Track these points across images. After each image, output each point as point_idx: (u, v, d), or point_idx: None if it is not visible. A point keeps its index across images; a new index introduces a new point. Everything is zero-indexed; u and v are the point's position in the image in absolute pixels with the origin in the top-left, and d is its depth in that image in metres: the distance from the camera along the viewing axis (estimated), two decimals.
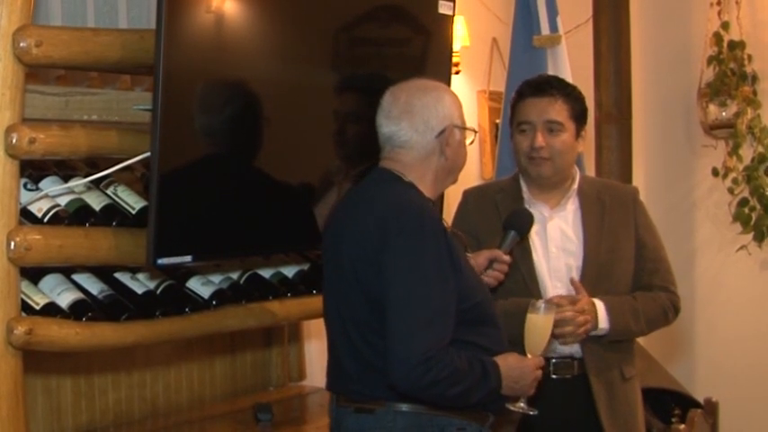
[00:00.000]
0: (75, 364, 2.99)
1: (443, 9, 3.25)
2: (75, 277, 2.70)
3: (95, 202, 2.68)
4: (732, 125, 4.94)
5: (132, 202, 2.72)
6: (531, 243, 2.93)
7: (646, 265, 2.98)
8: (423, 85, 2.54)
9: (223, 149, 2.72)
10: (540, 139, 2.88)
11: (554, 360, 2.89)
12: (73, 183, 2.69)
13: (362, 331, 2.40)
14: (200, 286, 2.89)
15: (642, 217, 3.03)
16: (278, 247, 3.00)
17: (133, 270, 2.79)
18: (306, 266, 3.19)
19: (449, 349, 2.32)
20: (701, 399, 4.20)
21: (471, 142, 2.58)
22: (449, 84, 3.28)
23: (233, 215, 2.74)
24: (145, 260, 2.56)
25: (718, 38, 4.98)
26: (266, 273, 3.08)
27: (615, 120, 4.70)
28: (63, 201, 2.65)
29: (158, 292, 2.81)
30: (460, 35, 4.64)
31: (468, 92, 5.02)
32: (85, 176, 2.70)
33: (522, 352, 2.54)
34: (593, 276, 2.91)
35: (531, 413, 2.56)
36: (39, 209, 2.59)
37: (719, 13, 5.00)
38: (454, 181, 2.60)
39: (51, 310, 2.57)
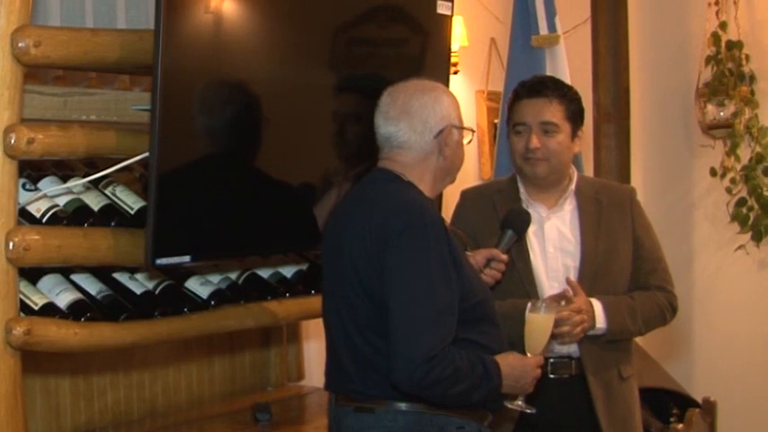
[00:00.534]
0: (73, 364, 2.99)
1: (442, 9, 3.25)
2: (74, 277, 2.70)
3: (94, 202, 2.68)
4: (730, 125, 4.94)
5: (131, 202, 2.72)
6: (528, 243, 2.94)
7: (643, 265, 2.98)
8: (421, 85, 2.54)
9: (222, 150, 2.72)
10: (534, 141, 2.88)
11: (552, 360, 2.89)
12: (71, 183, 2.69)
13: (363, 331, 2.40)
14: (199, 286, 2.89)
15: (639, 217, 3.04)
16: (276, 247, 3.00)
17: (132, 270, 2.79)
18: (304, 267, 3.19)
19: (451, 348, 2.32)
20: (699, 398, 4.20)
21: (469, 142, 2.61)
22: (447, 84, 3.28)
23: (231, 215, 2.74)
24: (143, 260, 2.56)
25: (716, 38, 4.99)
26: (265, 273, 3.08)
27: (613, 119, 4.70)
28: (62, 201, 2.65)
29: (157, 292, 2.81)
30: (459, 35, 4.64)
31: (467, 92, 5.03)
32: (84, 177, 2.70)
33: (520, 352, 2.54)
34: (591, 276, 2.91)
35: (530, 411, 2.57)
36: (37, 209, 2.59)
37: (717, 13, 5.01)
38: (452, 181, 2.61)
39: (50, 310, 2.57)
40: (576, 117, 2.94)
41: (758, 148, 4.94)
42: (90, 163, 2.78)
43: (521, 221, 2.83)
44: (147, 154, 2.54)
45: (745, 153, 4.99)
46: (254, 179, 2.80)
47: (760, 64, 4.97)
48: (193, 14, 2.52)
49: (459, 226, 3.00)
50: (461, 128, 2.54)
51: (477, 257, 2.74)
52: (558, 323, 2.80)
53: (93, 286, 2.71)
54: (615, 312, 2.89)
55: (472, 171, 5.04)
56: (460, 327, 2.37)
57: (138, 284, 2.79)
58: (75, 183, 2.69)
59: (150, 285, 2.81)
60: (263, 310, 3.00)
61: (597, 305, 2.87)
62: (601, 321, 2.87)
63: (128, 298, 2.74)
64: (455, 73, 4.55)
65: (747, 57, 4.96)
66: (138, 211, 2.69)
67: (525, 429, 2.86)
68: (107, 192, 2.73)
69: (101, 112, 2.72)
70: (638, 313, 2.93)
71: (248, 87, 2.73)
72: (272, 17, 2.75)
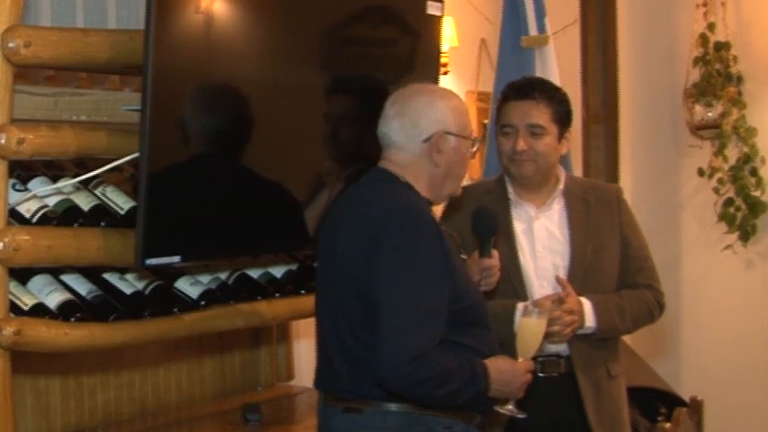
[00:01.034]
0: (63, 364, 2.98)
1: (432, 10, 3.25)
2: (64, 278, 2.70)
3: (84, 202, 2.68)
4: (718, 125, 4.97)
5: (121, 202, 2.72)
6: (517, 242, 2.95)
7: (631, 264, 3.01)
8: (421, 88, 2.55)
9: (212, 150, 2.72)
10: (521, 143, 2.89)
11: (541, 358, 2.91)
12: (61, 183, 2.68)
13: (355, 330, 2.40)
14: (189, 286, 2.89)
15: (626, 215, 3.06)
16: (266, 247, 3.00)
17: (122, 270, 2.79)
18: (294, 266, 3.19)
19: (438, 349, 2.33)
20: (686, 397, 4.22)
21: (474, 153, 2.57)
22: (436, 84, 3.29)
23: (221, 216, 2.74)
24: (133, 260, 2.56)
25: (704, 39, 5.02)
26: (255, 273, 3.08)
27: (602, 120, 4.73)
28: (52, 201, 2.64)
29: (147, 292, 2.80)
30: (449, 36, 4.64)
31: (457, 92, 4.95)
32: (74, 177, 2.69)
33: (508, 353, 2.54)
34: (580, 275, 2.93)
35: (520, 416, 2.57)
36: (27, 209, 2.59)
37: (705, 15, 5.04)
38: (456, 188, 2.58)
39: (40, 310, 2.56)
40: (563, 119, 2.95)
41: (745, 149, 4.98)
42: (80, 163, 2.77)
43: (488, 223, 2.77)
44: (137, 154, 2.54)
45: (732, 153, 5.02)
46: (245, 179, 2.80)
47: (747, 65, 5.00)
48: (184, 15, 2.52)
49: (447, 226, 3.00)
50: (459, 136, 2.50)
51: (473, 273, 2.70)
52: (549, 323, 2.81)
53: (82, 287, 2.70)
54: (604, 311, 2.91)
55: None
56: (451, 329, 2.38)
57: (128, 285, 2.78)
58: (66, 183, 2.68)
59: (140, 285, 2.80)
60: (253, 311, 3.00)
61: (587, 304, 2.89)
62: (590, 320, 2.89)
63: (118, 298, 2.73)
64: (445, 73, 4.56)
65: (735, 58, 4.99)
66: (128, 211, 2.69)
67: (515, 428, 2.88)
68: (97, 192, 2.72)
69: (91, 112, 2.72)
70: (627, 312, 2.95)
71: (239, 88, 2.73)
72: (263, 17, 2.75)
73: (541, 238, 2.96)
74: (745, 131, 4.97)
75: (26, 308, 2.55)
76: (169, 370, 3.34)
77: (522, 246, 2.95)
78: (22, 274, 2.60)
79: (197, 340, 3.32)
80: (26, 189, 2.63)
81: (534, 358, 2.87)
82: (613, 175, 4.71)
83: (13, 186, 2.58)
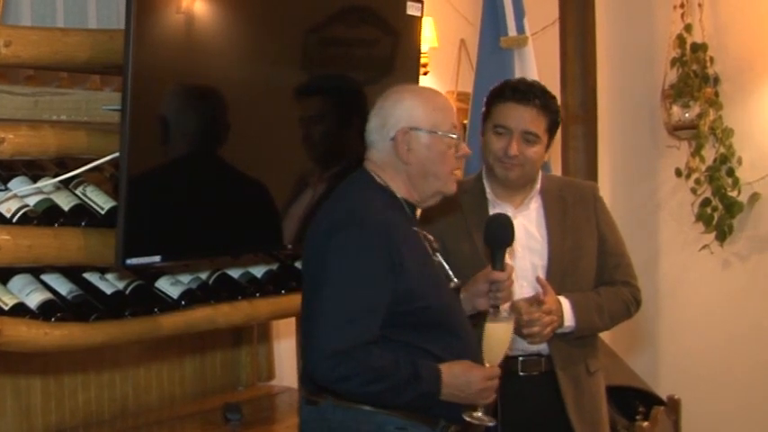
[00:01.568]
0: (44, 364, 2.98)
1: (411, 10, 3.26)
2: (44, 277, 2.69)
3: (64, 202, 2.67)
4: (695, 126, 5.00)
5: (101, 202, 2.71)
6: None
7: (608, 260, 3.03)
8: (398, 87, 2.56)
9: (192, 150, 2.71)
10: (514, 148, 2.89)
11: (521, 358, 2.93)
12: (42, 183, 2.68)
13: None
14: (170, 286, 2.89)
15: (603, 213, 3.07)
16: (247, 247, 3.01)
17: (102, 270, 2.79)
18: (274, 266, 3.19)
19: (369, 348, 2.33)
20: (663, 395, 4.25)
21: (461, 150, 2.53)
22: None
23: (202, 216, 2.74)
24: (114, 260, 2.55)
25: (681, 40, 5.05)
26: (235, 273, 3.08)
27: (581, 120, 4.75)
28: (32, 201, 2.63)
29: (127, 292, 2.80)
30: (429, 36, 4.66)
31: None
32: (54, 177, 2.69)
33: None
34: (559, 274, 2.95)
35: (490, 424, 2.52)
36: (7, 209, 2.58)
37: (683, 16, 5.07)
38: (441, 187, 2.53)
39: (20, 310, 2.56)
40: (553, 129, 2.96)
41: (722, 149, 5.01)
42: (60, 163, 2.77)
43: (506, 233, 2.64)
44: (117, 154, 2.54)
45: (709, 154, 5.05)
46: (225, 179, 2.80)
47: (724, 66, 5.04)
48: (164, 15, 2.52)
49: (425, 227, 3.00)
50: (430, 132, 2.48)
51: (478, 286, 2.64)
52: (528, 324, 2.84)
53: (63, 286, 2.70)
54: (583, 310, 2.93)
55: None
56: (404, 330, 2.39)
57: (109, 284, 2.78)
58: (46, 183, 2.68)
59: (121, 285, 2.80)
60: (234, 310, 3.00)
61: (565, 303, 2.91)
62: (569, 319, 2.91)
63: (98, 298, 2.73)
64: (425, 74, 4.58)
65: (712, 59, 5.02)
66: (109, 211, 2.68)
67: (497, 427, 2.90)
68: (77, 192, 2.72)
69: (71, 112, 2.71)
70: (605, 309, 2.98)
71: (219, 88, 2.73)
72: (243, 18, 2.76)
73: (520, 238, 2.96)
74: (721, 132, 5.00)
75: (6, 308, 2.54)
76: (150, 370, 3.34)
77: None
78: (2, 274, 2.60)
79: (177, 340, 3.32)
80: (6, 189, 2.63)
81: (515, 357, 2.90)
82: (592, 175, 4.73)
83: None
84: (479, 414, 2.48)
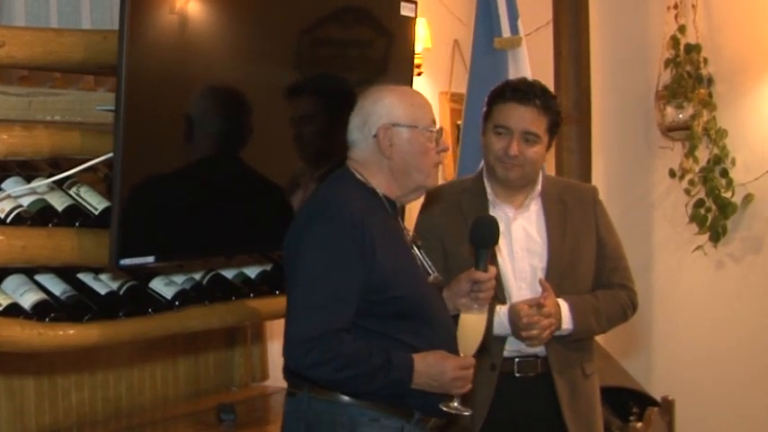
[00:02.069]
0: (37, 364, 2.98)
1: (405, 11, 3.27)
2: (38, 278, 2.69)
3: (58, 202, 2.67)
4: (688, 127, 5.01)
5: (95, 202, 2.71)
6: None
7: (606, 263, 3.03)
8: (377, 87, 2.61)
9: (186, 150, 2.72)
10: (515, 148, 2.89)
11: (518, 359, 2.94)
12: (36, 183, 2.68)
13: None
14: (163, 287, 2.89)
15: (602, 216, 3.08)
16: (240, 247, 3.01)
17: (96, 271, 2.79)
18: (268, 267, 3.20)
19: (341, 335, 2.38)
20: (657, 396, 4.26)
21: (441, 143, 2.57)
22: (410, 85, 3.30)
23: (196, 216, 2.75)
24: (108, 261, 2.55)
25: (675, 41, 5.05)
26: (229, 273, 3.09)
27: (575, 121, 4.75)
28: (26, 201, 2.63)
29: (121, 292, 2.80)
30: (422, 37, 4.66)
31: (430, 93, 5.05)
32: (48, 177, 2.69)
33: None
34: (557, 276, 2.95)
35: (466, 413, 2.52)
36: (1, 209, 2.58)
37: (676, 17, 5.08)
38: (424, 180, 2.58)
39: (14, 310, 2.56)
40: (554, 129, 2.97)
41: (716, 150, 5.02)
42: (54, 163, 2.77)
43: (490, 233, 2.65)
44: (111, 154, 2.54)
45: (703, 155, 5.06)
46: (218, 180, 2.80)
47: (718, 67, 5.04)
48: (158, 15, 2.52)
49: (424, 226, 3.01)
50: (411, 127, 2.52)
51: (460, 285, 2.65)
52: (527, 327, 2.84)
53: (57, 287, 2.70)
54: (581, 313, 2.93)
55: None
56: (374, 319, 2.44)
57: (103, 285, 2.78)
58: (40, 183, 2.68)
59: (114, 286, 2.80)
60: (228, 311, 3.01)
61: (564, 306, 2.92)
62: (567, 322, 2.92)
63: (92, 298, 2.73)
64: (419, 75, 4.58)
65: (705, 60, 5.03)
66: (103, 211, 2.68)
67: (492, 428, 2.90)
68: (71, 192, 2.72)
69: (65, 112, 2.71)
70: (602, 313, 2.98)
71: (213, 88, 2.74)
72: (237, 18, 2.76)
73: (519, 240, 2.97)
74: (715, 133, 5.01)
75: (0, 308, 2.54)
76: (143, 370, 3.34)
77: (500, 248, 2.94)
78: None
79: (171, 340, 3.32)
80: (0, 189, 2.62)
81: (511, 358, 2.92)
82: (586, 176, 4.74)
83: None
84: (455, 404, 2.50)
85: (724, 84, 5.04)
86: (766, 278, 5.03)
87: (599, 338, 3.54)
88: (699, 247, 5.12)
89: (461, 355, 2.50)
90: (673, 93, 5.02)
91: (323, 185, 2.61)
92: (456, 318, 2.59)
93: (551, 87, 4.64)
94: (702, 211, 5.06)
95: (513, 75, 4.04)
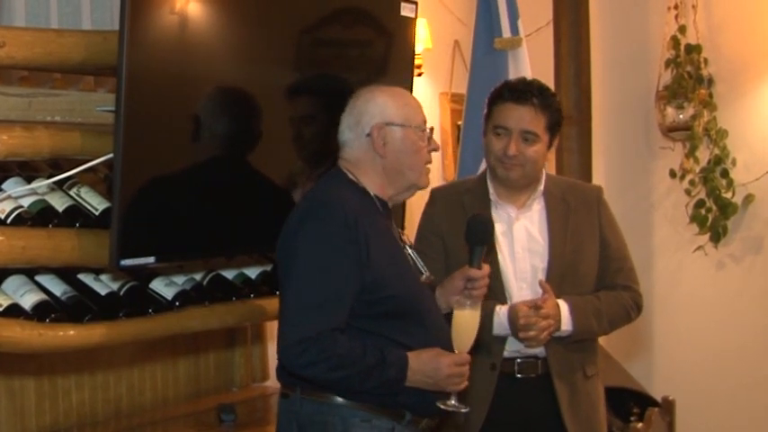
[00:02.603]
0: (38, 365, 2.98)
1: (405, 11, 3.27)
2: (39, 278, 2.69)
3: (58, 203, 2.67)
4: (689, 127, 5.01)
5: (95, 203, 2.72)
6: (497, 244, 2.95)
7: (610, 265, 3.02)
8: (369, 88, 2.63)
9: (186, 151, 2.72)
10: (513, 148, 2.90)
11: (518, 360, 2.94)
12: (36, 184, 2.68)
13: None
14: (164, 287, 2.89)
15: (606, 217, 3.07)
16: (241, 248, 3.01)
17: (96, 271, 2.79)
18: (268, 267, 3.20)
19: (335, 335, 2.39)
20: (658, 397, 4.26)
21: (432, 143, 2.60)
22: (410, 85, 3.31)
23: (196, 217, 2.75)
24: (108, 261, 2.56)
25: (675, 41, 5.06)
26: (229, 274, 3.09)
27: (575, 122, 4.75)
28: (26, 202, 2.64)
29: (122, 293, 2.80)
30: (423, 37, 4.66)
31: (431, 94, 5.05)
32: (48, 178, 2.69)
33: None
34: (558, 277, 2.95)
35: (463, 410, 2.54)
36: (1, 210, 2.58)
37: (677, 17, 5.08)
38: (415, 180, 2.60)
39: (14, 311, 2.56)
40: (555, 127, 2.96)
41: (716, 151, 5.02)
42: (54, 164, 2.77)
43: (485, 233, 2.69)
44: (111, 155, 2.54)
45: (703, 155, 5.06)
46: (219, 180, 2.81)
47: (718, 67, 5.05)
48: (158, 16, 2.52)
49: (427, 225, 3.03)
50: (404, 126, 2.55)
51: (454, 282, 2.67)
52: (525, 327, 2.84)
53: (57, 287, 2.70)
54: (581, 314, 2.93)
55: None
56: (368, 319, 2.45)
57: (103, 285, 2.78)
58: (40, 184, 2.68)
59: (115, 286, 2.80)
60: (228, 311, 3.01)
61: (564, 307, 2.91)
62: (566, 323, 2.91)
63: (92, 299, 2.73)
64: (419, 75, 4.58)
65: (706, 60, 5.03)
66: (103, 212, 2.69)
67: (492, 428, 2.90)
68: (72, 193, 2.72)
69: (65, 113, 2.72)
70: (604, 314, 2.97)
71: (213, 89, 2.74)
72: (238, 19, 2.76)
73: (521, 240, 2.97)
74: (715, 133, 5.01)
75: (0, 308, 2.54)
76: (144, 371, 3.33)
77: (501, 247, 2.96)
78: None
79: (172, 341, 3.32)
80: (0, 190, 2.63)
81: (512, 359, 2.91)
82: (586, 176, 4.74)
83: None
84: (453, 402, 2.51)
85: (724, 84, 5.04)
86: (767, 278, 5.03)
87: (599, 340, 3.53)
88: (699, 248, 5.12)
89: (456, 351, 2.52)
90: (673, 93, 5.02)
91: (316, 185, 2.63)
92: (449, 316, 2.60)
93: (552, 87, 4.65)
94: (703, 211, 5.06)
95: (513, 75, 4.04)
